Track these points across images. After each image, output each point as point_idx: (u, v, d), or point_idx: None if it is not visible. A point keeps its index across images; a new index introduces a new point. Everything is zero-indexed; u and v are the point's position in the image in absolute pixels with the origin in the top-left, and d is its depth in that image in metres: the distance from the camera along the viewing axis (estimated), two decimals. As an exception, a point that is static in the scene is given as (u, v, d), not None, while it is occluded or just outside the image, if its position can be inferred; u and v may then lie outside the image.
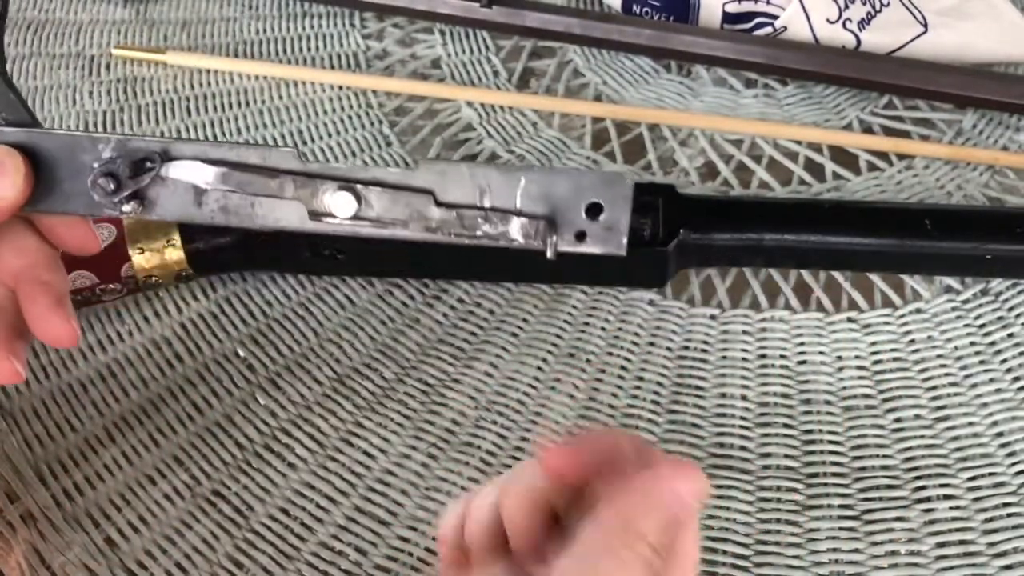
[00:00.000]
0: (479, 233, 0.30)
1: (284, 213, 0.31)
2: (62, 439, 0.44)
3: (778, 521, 0.42)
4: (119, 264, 0.47)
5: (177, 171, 0.31)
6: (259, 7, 0.68)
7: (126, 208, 0.31)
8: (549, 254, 0.29)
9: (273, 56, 0.65)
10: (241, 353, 0.48)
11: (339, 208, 0.30)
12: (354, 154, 0.58)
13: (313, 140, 0.58)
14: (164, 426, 0.45)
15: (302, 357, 0.48)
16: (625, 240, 0.30)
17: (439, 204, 0.30)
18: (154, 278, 0.48)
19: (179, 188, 0.31)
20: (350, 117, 0.60)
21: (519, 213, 0.30)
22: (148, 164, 0.31)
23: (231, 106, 0.60)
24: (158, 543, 0.41)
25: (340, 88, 0.62)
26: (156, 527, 0.42)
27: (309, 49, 0.65)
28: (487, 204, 0.30)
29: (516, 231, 0.30)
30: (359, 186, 0.31)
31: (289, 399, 0.46)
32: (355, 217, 0.31)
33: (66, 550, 0.41)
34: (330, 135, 0.59)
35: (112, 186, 0.31)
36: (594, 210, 0.30)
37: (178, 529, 0.42)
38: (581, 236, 0.30)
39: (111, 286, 0.47)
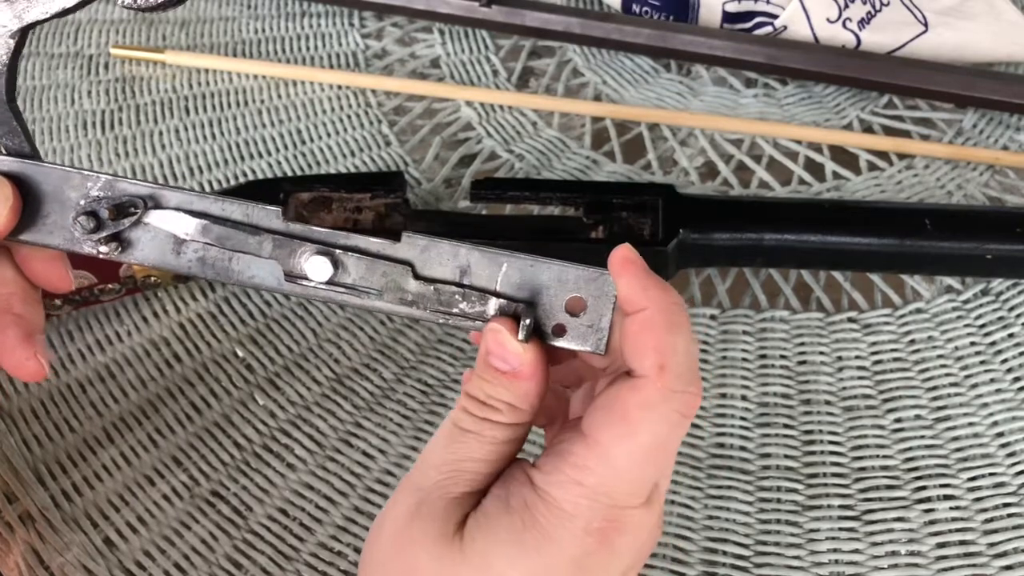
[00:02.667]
0: (455, 311, 0.30)
1: (260, 271, 0.31)
2: (61, 439, 0.44)
3: (778, 521, 0.42)
4: (118, 264, 0.47)
5: (158, 219, 0.31)
6: (257, 6, 0.68)
7: (104, 249, 0.32)
8: (521, 336, 0.29)
9: (272, 55, 0.64)
10: (240, 353, 0.48)
11: (315, 272, 0.30)
12: (353, 154, 0.58)
13: (312, 140, 0.58)
14: (163, 426, 0.45)
15: (301, 357, 0.48)
16: (606, 340, 0.29)
17: (417, 277, 0.30)
18: (153, 278, 0.48)
19: (159, 235, 0.31)
20: (349, 117, 0.60)
21: (497, 294, 0.30)
22: (132, 209, 0.31)
23: (230, 105, 0.60)
24: (157, 544, 0.41)
25: (339, 87, 0.62)
26: (155, 528, 0.42)
27: (308, 48, 0.65)
28: (466, 282, 0.30)
29: (493, 312, 0.30)
30: (337, 251, 0.30)
31: (288, 399, 0.46)
32: (330, 282, 0.31)
33: (65, 551, 0.41)
34: (329, 135, 0.59)
35: (92, 225, 0.31)
36: (576, 305, 0.29)
37: (177, 530, 0.42)
38: (559, 330, 0.29)
39: (110, 286, 0.47)
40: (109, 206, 0.31)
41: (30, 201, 0.32)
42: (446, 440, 0.29)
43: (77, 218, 0.31)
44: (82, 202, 0.31)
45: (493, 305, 0.30)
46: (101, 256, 0.32)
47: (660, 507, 0.29)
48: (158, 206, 0.31)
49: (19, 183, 0.32)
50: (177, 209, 0.31)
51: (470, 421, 0.29)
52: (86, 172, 0.32)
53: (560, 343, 0.29)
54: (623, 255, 0.28)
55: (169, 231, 0.31)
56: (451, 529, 0.28)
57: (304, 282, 0.31)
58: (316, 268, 0.30)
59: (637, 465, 0.27)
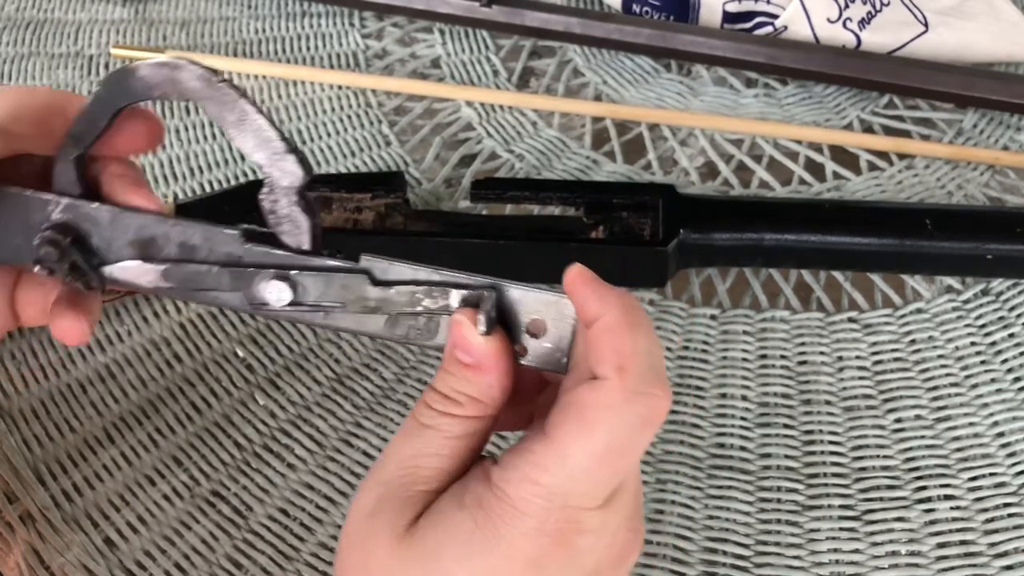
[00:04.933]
0: (420, 308, 0.30)
1: (227, 300, 0.31)
2: (61, 439, 0.44)
3: (778, 521, 0.42)
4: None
5: (119, 272, 0.32)
6: (258, 6, 0.68)
7: (68, 280, 0.32)
8: (482, 328, 0.28)
9: (272, 56, 0.64)
10: (240, 353, 0.48)
11: (275, 296, 0.30)
12: (353, 154, 0.58)
13: (312, 140, 0.58)
14: (163, 426, 0.45)
15: (301, 357, 0.48)
16: (566, 360, 0.29)
17: (376, 283, 0.30)
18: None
19: (126, 265, 0.32)
20: (349, 117, 0.60)
21: (459, 285, 0.29)
22: (93, 258, 0.31)
23: (230, 106, 0.60)
24: (157, 544, 0.41)
25: (339, 88, 0.62)
26: (155, 528, 0.42)
27: (308, 48, 0.65)
28: (424, 278, 0.30)
29: (457, 304, 0.29)
30: (294, 272, 0.30)
31: (288, 399, 0.46)
32: (293, 304, 0.31)
33: (65, 551, 0.41)
34: (329, 135, 0.59)
35: (57, 255, 0.31)
36: (537, 327, 0.29)
37: (177, 530, 0.42)
38: (521, 351, 0.29)
39: (110, 286, 0.47)
40: (71, 235, 0.31)
41: None
42: (406, 435, 0.29)
43: (42, 244, 0.31)
44: (44, 225, 0.31)
45: (456, 297, 0.29)
46: (65, 284, 0.32)
47: (626, 509, 0.28)
48: (111, 262, 0.31)
49: None
50: (136, 241, 0.31)
51: (430, 416, 0.29)
52: (46, 196, 0.32)
53: (522, 363, 0.29)
54: (572, 274, 0.28)
55: (131, 280, 0.32)
56: (404, 526, 0.28)
57: (267, 307, 0.31)
58: (275, 293, 0.31)
59: (593, 466, 0.26)
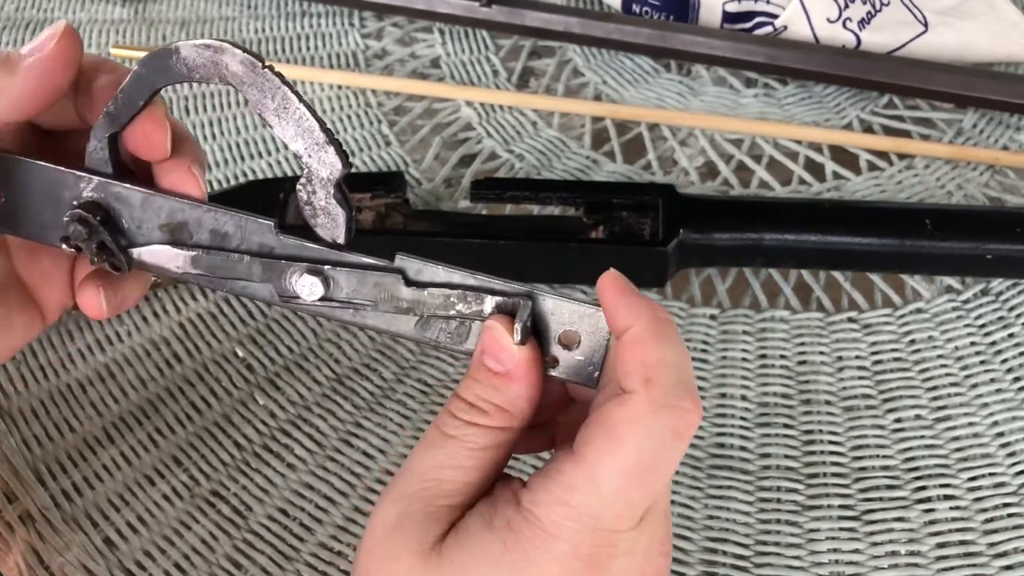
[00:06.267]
0: (452, 312, 0.29)
1: (256, 291, 0.31)
2: (61, 439, 0.44)
3: (778, 521, 0.42)
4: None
5: (148, 255, 0.31)
6: (258, 6, 0.68)
7: (96, 259, 0.32)
8: (517, 338, 0.28)
9: (272, 55, 0.64)
10: (240, 353, 0.48)
11: (306, 291, 0.30)
12: (353, 153, 0.58)
13: (312, 140, 0.58)
14: (163, 426, 0.45)
15: (301, 357, 0.48)
16: (598, 373, 0.29)
17: (410, 283, 0.30)
18: (153, 278, 0.48)
19: (154, 249, 0.31)
20: (349, 117, 0.60)
21: (494, 292, 0.29)
22: (122, 239, 0.31)
23: (230, 106, 0.60)
24: (157, 544, 0.41)
25: (339, 87, 0.62)
26: (155, 527, 0.42)
27: (308, 48, 0.65)
28: (459, 281, 0.29)
29: (490, 310, 0.29)
30: (327, 267, 0.30)
31: (288, 399, 0.46)
32: (324, 299, 0.30)
33: (65, 551, 0.41)
34: (329, 135, 0.59)
35: (86, 232, 0.31)
36: (570, 338, 0.29)
37: (177, 530, 0.42)
38: (552, 362, 0.29)
39: (110, 286, 0.47)
40: (102, 214, 0.31)
41: (23, 198, 0.32)
42: (428, 446, 0.29)
43: (71, 222, 0.31)
44: (75, 202, 0.31)
45: (490, 303, 0.29)
46: (94, 265, 0.32)
47: (657, 531, 0.28)
48: (142, 244, 0.31)
49: (11, 180, 0.31)
50: (166, 224, 0.31)
51: (454, 425, 0.28)
52: (79, 173, 0.31)
53: (552, 374, 0.29)
54: (605, 281, 0.28)
55: (159, 264, 0.31)
56: (429, 543, 0.27)
57: (297, 301, 0.30)
58: (307, 287, 0.30)
59: (624, 484, 0.26)
